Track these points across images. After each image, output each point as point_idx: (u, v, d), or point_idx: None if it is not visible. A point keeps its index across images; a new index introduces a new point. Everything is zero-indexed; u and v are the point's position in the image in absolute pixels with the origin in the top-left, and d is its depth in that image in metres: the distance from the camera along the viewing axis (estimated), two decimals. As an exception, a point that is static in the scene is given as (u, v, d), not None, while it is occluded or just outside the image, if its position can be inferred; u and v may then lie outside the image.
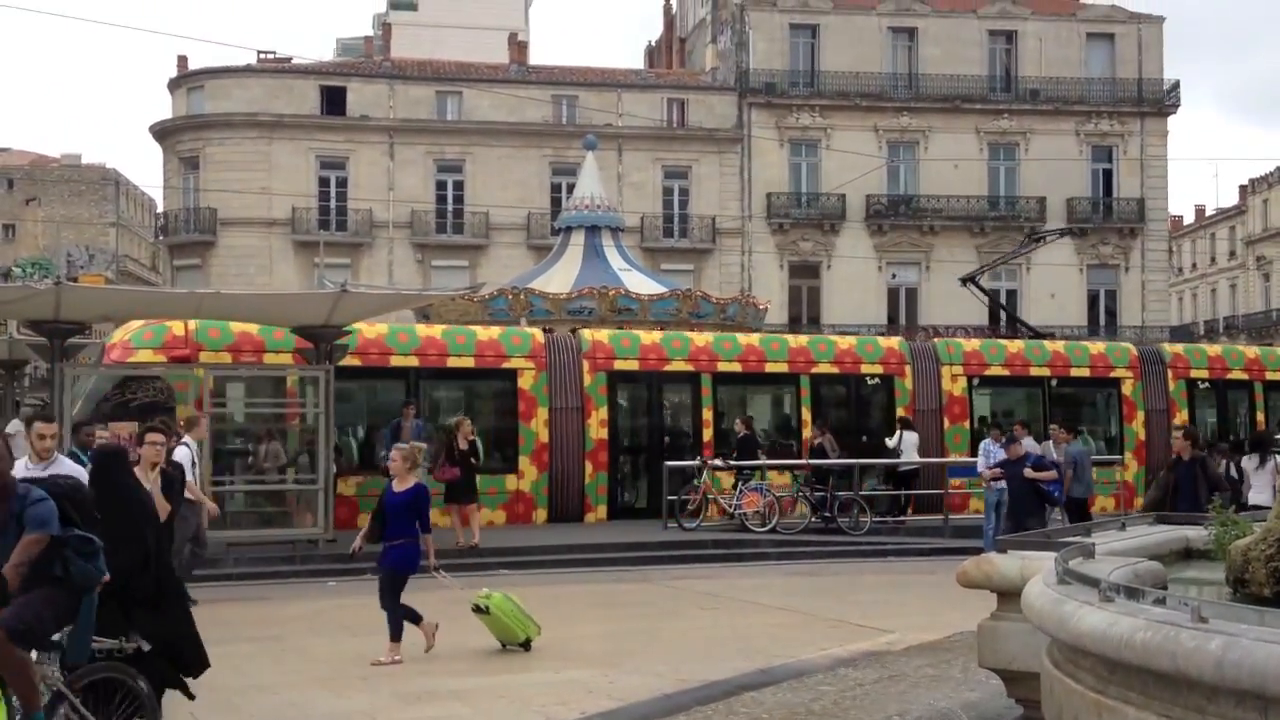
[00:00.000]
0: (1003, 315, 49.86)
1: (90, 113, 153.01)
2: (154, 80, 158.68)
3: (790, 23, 49.99)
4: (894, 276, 49.77)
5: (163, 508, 9.77)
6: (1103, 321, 50.67)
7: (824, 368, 24.32)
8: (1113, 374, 25.98)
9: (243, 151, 46.84)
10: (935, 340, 29.39)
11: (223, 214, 46.51)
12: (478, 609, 11.01)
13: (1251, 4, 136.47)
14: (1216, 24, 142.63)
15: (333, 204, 47.27)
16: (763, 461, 22.71)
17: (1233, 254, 72.91)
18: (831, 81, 49.32)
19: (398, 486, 11.09)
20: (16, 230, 70.81)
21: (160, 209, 54.60)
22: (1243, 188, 72.53)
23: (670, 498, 21.29)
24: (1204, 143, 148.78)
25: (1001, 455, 18.86)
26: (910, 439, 22.78)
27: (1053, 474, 16.42)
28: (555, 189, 47.21)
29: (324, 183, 47.37)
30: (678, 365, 23.29)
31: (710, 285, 44.68)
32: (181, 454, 13.12)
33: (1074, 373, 25.87)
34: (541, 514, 21.94)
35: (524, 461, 21.96)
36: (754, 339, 25.21)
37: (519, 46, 52.99)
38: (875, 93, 49.44)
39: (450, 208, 47.88)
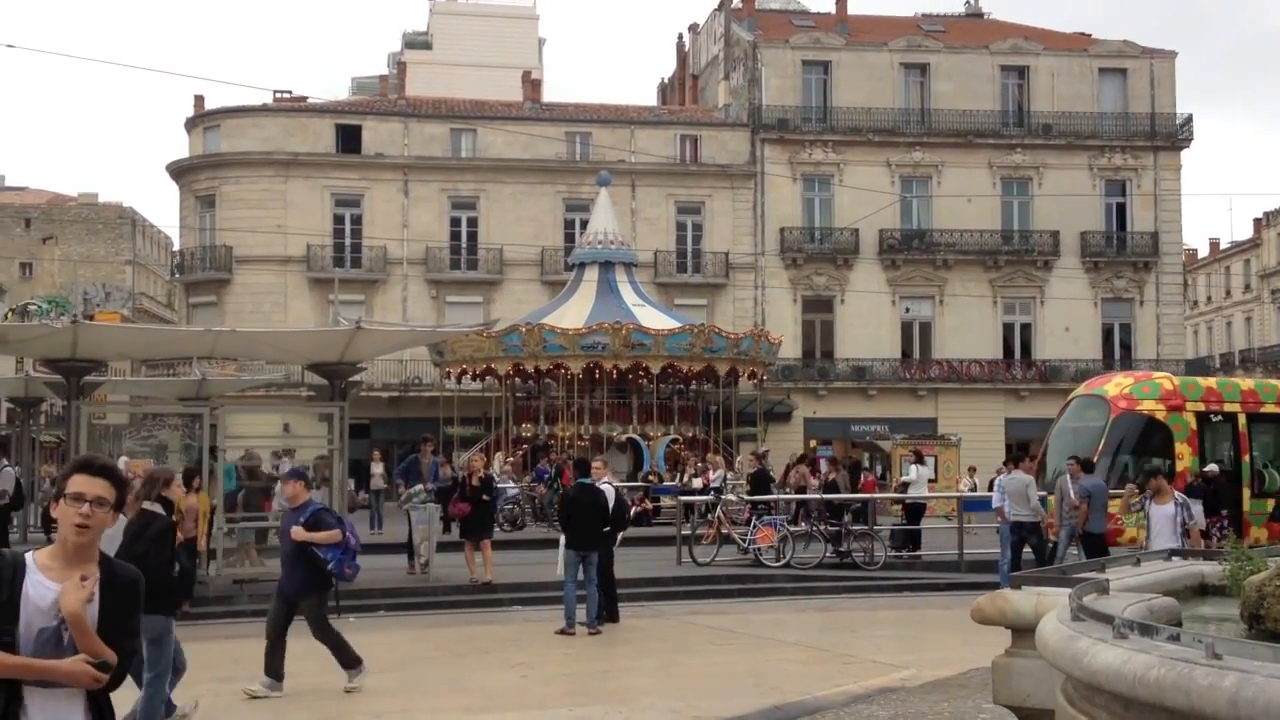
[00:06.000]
0: (1017, 350, 49.90)
1: (107, 152, 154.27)
2: (171, 120, 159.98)
3: (803, 59, 50.23)
4: (908, 310, 49.76)
5: None
6: (1117, 355, 50.54)
7: None
8: None
9: (258, 190, 47.14)
10: None
11: (238, 252, 46.77)
12: None
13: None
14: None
15: (347, 241, 47.49)
16: (776, 495, 22.69)
17: (1247, 287, 72.74)
18: (844, 117, 49.50)
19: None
20: (34, 268, 71.28)
21: (176, 247, 54.89)
22: (1257, 221, 72.41)
23: (685, 532, 21.31)
24: (1221, 173, 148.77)
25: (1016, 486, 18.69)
26: (922, 473, 22.76)
27: (333, 535, 10.72)
28: (569, 225, 47.38)
29: (339, 220, 47.61)
30: None
31: (724, 320, 44.73)
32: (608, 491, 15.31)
33: None
34: None
35: None
36: None
37: (533, 84, 53.31)
38: (888, 128, 49.60)
39: (464, 244, 48.06)
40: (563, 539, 15.78)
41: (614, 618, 15.15)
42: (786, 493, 25.90)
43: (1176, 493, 14.20)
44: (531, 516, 29.54)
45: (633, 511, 27.30)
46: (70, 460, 4.34)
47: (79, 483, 4.15)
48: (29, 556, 4.13)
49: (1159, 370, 47.40)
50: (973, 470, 31.41)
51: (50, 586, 4.05)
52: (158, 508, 8.87)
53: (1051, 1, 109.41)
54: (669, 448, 34.87)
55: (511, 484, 30.66)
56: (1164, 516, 13.60)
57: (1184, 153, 51.57)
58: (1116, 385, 24.11)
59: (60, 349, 17.72)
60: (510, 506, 28.70)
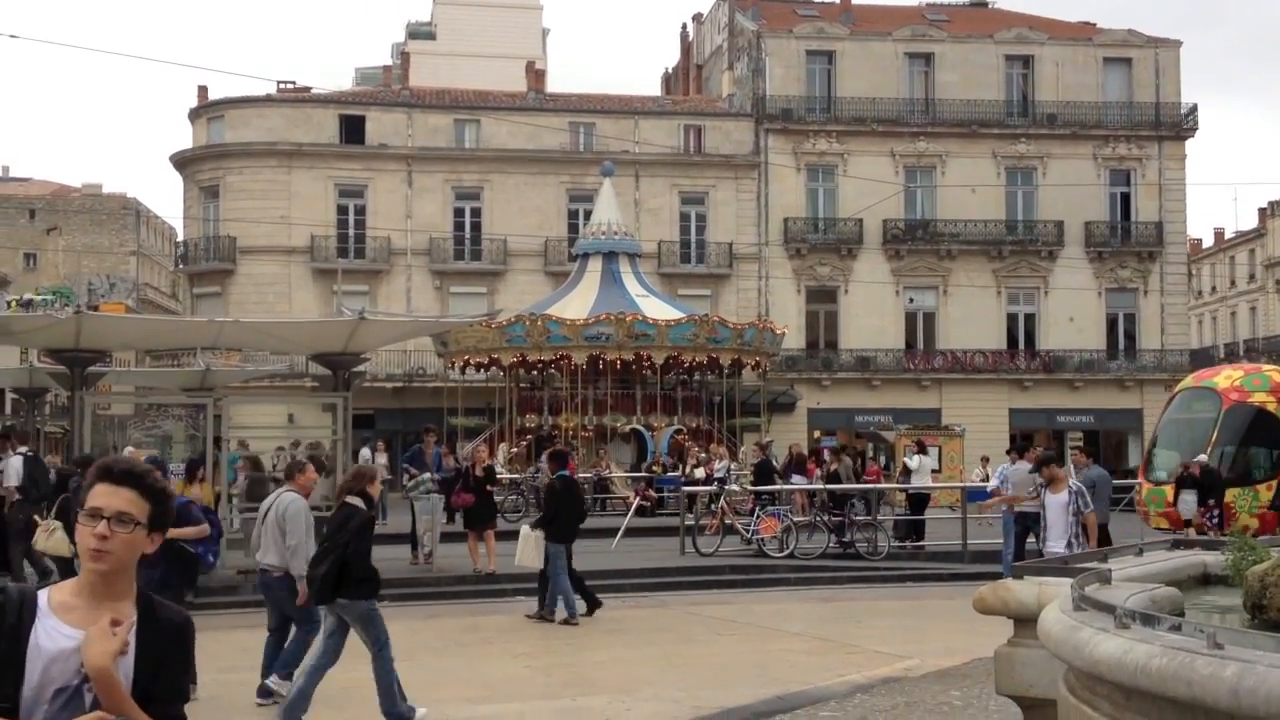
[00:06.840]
0: (1021, 340, 49.85)
1: (111, 143, 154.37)
2: (174, 110, 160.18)
3: (807, 49, 50.13)
4: (911, 300, 49.70)
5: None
6: (1121, 345, 50.49)
7: None
8: None
9: (262, 180, 47.14)
10: None
11: (242, 242, 46.78)
12: None
13: None
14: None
15: (351, 232, 47.49)
16: (779, 486, 22.72)
17: (1252, 277, 72.63)
18: (848, 107, 49.41)
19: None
20: (38, 259, 71.34)
21: (180, 237, 54.91)
22: (1262, 210, 72.28)
23: (688, 522, 21.36)
24: (1226, 163, 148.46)
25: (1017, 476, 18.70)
26: (925, 463, 22.78)
27: (202, 530, 10.81)
28: (573, 215, 47.35)
29: (343, 210, 47.61)
30: None
31: (727, 310, 44.73)
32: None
33: None
34: None
35: None
36: None
37: (536, 75, 53.23)
38: (892, 118, 49.50)
39: (468, 235, 48.06)
40: (524, 528, 15.77)
41: (594, 606, 15.02)
42: (817, 481, 25.62)
43: (1072, 480, 13.97)
44: (536, 507, 29.55)
45: (636, 502, 27.41)
46: (92, 466, 3.32)
47: (98, 494, 3.14)
48: (42, 594, 3.13)
49: (1163, 362, 47.49)
50: (985, 460, 31.43)
51: (69, 634, 3.04)
52: (359, 502, 9.38)
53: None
54: (673, 438, 34.89)
55: (519, 475, 30.71)
56: (1058, 505, 13.21)
57: (1189, 142, 51.44)
58: (1226, 378, 24.57)
59: (64, 339, 17.75)
60: (515, 497, 28.69)
